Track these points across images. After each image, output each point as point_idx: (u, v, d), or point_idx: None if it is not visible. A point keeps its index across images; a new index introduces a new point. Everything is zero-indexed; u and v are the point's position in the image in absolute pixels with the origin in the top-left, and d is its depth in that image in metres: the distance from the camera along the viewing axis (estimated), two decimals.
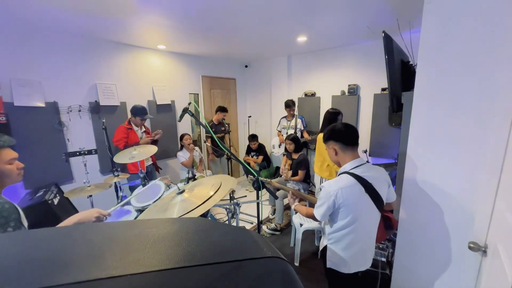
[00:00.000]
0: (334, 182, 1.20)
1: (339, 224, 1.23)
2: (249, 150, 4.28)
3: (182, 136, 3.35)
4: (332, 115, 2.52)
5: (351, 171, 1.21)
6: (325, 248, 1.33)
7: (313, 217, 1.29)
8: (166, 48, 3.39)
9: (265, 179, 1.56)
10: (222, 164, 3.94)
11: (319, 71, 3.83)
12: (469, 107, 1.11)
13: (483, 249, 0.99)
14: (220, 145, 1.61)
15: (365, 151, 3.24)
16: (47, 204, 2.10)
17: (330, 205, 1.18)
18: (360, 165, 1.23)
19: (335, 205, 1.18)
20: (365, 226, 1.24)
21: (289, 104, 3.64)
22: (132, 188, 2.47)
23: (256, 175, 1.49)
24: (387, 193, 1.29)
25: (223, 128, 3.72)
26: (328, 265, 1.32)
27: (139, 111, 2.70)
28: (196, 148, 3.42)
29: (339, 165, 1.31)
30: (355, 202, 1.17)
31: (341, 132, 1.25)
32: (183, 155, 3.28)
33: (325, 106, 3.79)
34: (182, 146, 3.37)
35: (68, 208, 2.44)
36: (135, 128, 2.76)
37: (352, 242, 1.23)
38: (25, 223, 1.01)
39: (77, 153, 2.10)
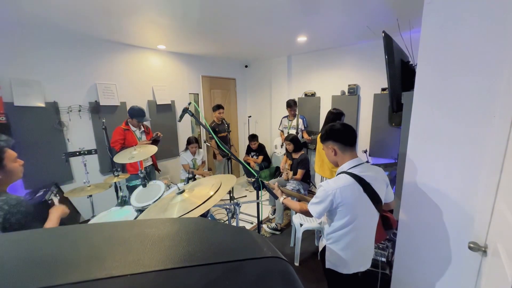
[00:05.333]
0: (332, 182, 1.20)
1: (337, 224, 1.22)
2: (249, 150, 4.27)
3: (190, 142, 3.32)
4: (335, 116, 2.52)
5: (349, 170, 1.21)
6: (324, 248, 1.33)
7: (306, 213, 1.29)
8: (166, 48, 3.39)
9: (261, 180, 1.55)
10: (224, 165, 3.92)
11: (319, 71, 3.83)
12: (469, 107, 1.11)
13: (483, 249, 0.99)
14: (220, 145, 1.60)
15: (365, 151, 3.24)
16: (47, 204, 2.10)
17: (327, 204, 1.18)
18: (358, 165, 1.23)
19: (332, 205, 1.18)
20: (364, 225, 1.24)
21: (291, 104, 3.64)
22: (130, 188, 2.47)
23: (256, 175, 1.49)
24: (385, 193, 1.29)
25: (226, 127, 3.71)
26: (327, 265, 1.32)
27: (136, 113, 2.67)
28: (200, 151, 3.42)
29: (337, 165, 1.31)
30: (353, 201, 1.17)
31: (340, 132, 1.25)
32: (186, 158, 3.28)
33: (325, 106, 3.79)
34: (187, 148, 3.36)
35: (68, 208, 2.43)
36: (132, 128, 2.73)
37: (351, 242, 1.23)
38: None
39: (77, 153, 2.10)
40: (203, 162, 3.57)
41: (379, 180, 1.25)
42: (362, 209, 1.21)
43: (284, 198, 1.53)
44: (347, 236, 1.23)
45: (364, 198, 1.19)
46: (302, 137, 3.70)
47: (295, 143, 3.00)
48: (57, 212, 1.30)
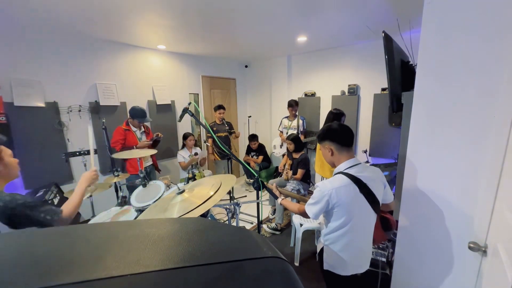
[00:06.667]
0: (328, 182, 1.19)
1: (334, 225, 1.22)
2: (249, 150, 4.28)
3: (186, 136, 3.32)
4: (335, 116, 2.52)
5: (345, 171, 1.21)
6: (322, 249, 1.33)
7: (304, 214, 1.29)
8: (166, 48, 3.40)
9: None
10: (224, 165, 3.91)
11: (319, 71, 3.83)
12: (469, 107, 1.11)
13: (483, 249, 0.99)
14: (220, 145, 1.61)
15: (365, 151, 3.24)
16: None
17: (323, 205, 1.18)
18: (354, 165, 1.23)
19: (328, 205, 1.17)
20: (361, 226, 1.24)
21: (292, 104, 3.63)
22: (130, 188, 2.47)
23: (256, 175, 1.49)
24: (383, 193, 1.28)
25: (227, 127, 3.69)
26: (325, 267, 1.31)
27: (137, 114, 2.66)
28: (198, 148, 3.41)
29: (334, 166, 1.30)
30: (349, 202, 1.17)
31: (337, 132, 1.25)
32: (183, 155, 3.28)
33: (325, 106, 3.79)
34: (184, 145, 3.36)
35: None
36: (133, 129, 2.73)
37: (348, 243, 1.23)
38: None
39: (77, 153, 2.10)
40: (204, 159, 3.55)
41: (376, 181, 1.25)
42: (358, 210, 1.20)
43: (282, 199, 1.53)
44: (344, 237, 1.22)
45: (361, 199, 1.19)
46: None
47: (296, 142, 3.00)
48: (85, 179, 1.25)
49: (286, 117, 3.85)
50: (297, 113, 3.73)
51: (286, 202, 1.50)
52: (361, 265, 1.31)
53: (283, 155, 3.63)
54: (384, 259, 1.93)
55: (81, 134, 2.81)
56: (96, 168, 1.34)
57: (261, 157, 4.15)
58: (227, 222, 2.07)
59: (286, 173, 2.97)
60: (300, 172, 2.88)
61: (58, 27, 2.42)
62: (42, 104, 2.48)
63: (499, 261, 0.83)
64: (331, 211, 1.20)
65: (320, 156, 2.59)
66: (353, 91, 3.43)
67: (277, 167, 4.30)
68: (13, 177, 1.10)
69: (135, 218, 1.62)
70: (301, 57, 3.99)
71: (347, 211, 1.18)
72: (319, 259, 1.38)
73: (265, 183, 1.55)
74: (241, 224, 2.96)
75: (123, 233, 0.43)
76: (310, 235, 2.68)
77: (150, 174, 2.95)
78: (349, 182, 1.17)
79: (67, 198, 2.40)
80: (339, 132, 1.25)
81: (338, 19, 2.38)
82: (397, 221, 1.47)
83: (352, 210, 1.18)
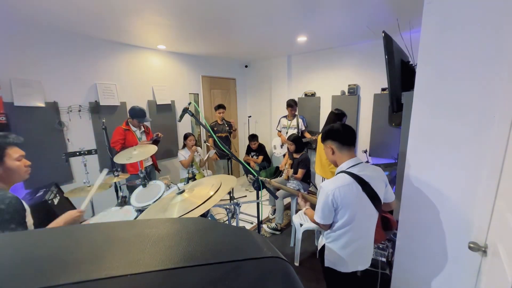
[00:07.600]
0: (331, 182, 1.21)
1: (336, 223, 1.23)
2: (249, 150, 4.27)
3: (186, 136, 3.33)
4: (337, 117, 2.52)
5: (347, 170, 1.22)
6: (323, 247, 1.34)
7: (319, 224, 1.28)
8: (166, 48, 3.40)
9: (264, 178, 1.55)
10: (224, 165, 3.90)
11: (319, 71, 3.83)
12: (469, 107, 1.11)
13: (483, 249, 0.99)
14: (220, 145, 1.60)
15: (365, 151, 3.24)
16: (47, 204, 2.10)
17: (329, 204, 1.18)
18: (356, 164, 1.24)
19: (333, 205, 1.18)
20: (363, 225, 1.25)
21: (291, 104, 3.62)
22: (130, 188, 2.46)
23: (256, 175, 1.49)
24: (384, 192, 1.29)
25: (227, 127, 3.67)
26: (326, 264, 1.33)
27: (137, 114, 2.66)
28: (198, 149, 3.41)
29: (336, 165, 1.32)
30: (352, 201, 1.18)
31: (338, 131, 1.27)
32: (183, 154, 3.28)
33: (325, 106, 3.79)
34: (184, 145, 3.36)
35: (68, 208, 2.43)
36: (133, 129, 2.74)
37: (349, 240, 1.24)
38: (31, 221, 1.04)
39: (77, 153, 2.10)
40: (201, 161, 3.55)
41: (378, 179, 1.26)
42: (360, 208, 1.21)
43: (307, 209, 1.48)
44: (346, 235, 1.23)
45: (363, 197, 1.20)
46: (304, 137, 3.68)
47: (297, 143, 2.99)
48: (66, 216, 1.16)
49: (284, 116, 3.84)
50: (296, 113, 3.73)
51: (309, 211, 1.45)
52: (362, 262, 1.32)
53: (284, 155, 3.62)
54: (384, 259, 1.93)
55: (81, 134, 2.81)
56: (84, 210, 1.23)
57: (261, 157, 4.15)
58: (227, 222, 2.07)
59: (287, 171, 2.97)
60: (300, 172, 2.88)
61: (58, 27, 2.42)
62: (42, 104, 2.47)
63: (499, 261, 0.83)
64: (335, 210, 1.20)
65: (319, 157, 2.59)
66: (353, 91, 3.43)
67: (277, 167, 4.30)
68: (17, 180, 1.07)
69: (135, 218, 1.62)
70: (301, 57, 3.99)
71: (350, 210, 1.18)
72: (319, 256, 1.39)
73: (268, 179, 1.55)
74: (241, 224, 2.96)
75: (123, 233, 0.43)
76: (310, 235, 2.68)
77: (150, 174, 2.95)
78: (351, 180, 1.18)
79: (67, 198, 2.41)
80: (340, 132, 1.26)
81: (338, 19, 2.37)
82: (397, 221, 1.47)
83: (355, 209, 1.19)
